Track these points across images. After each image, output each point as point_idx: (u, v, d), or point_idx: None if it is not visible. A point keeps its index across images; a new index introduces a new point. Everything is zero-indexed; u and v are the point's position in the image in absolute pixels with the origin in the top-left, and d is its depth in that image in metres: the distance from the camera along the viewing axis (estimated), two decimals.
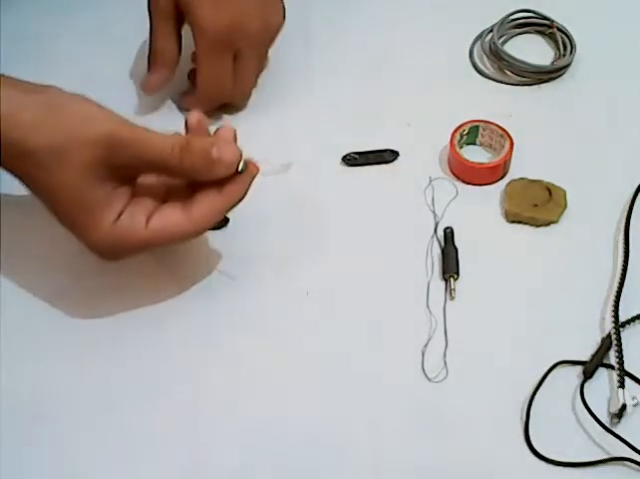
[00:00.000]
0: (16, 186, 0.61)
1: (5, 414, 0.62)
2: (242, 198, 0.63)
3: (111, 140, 0.58)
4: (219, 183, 0.61)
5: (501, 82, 0.81)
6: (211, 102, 0.75)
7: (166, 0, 0.73)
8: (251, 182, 0.63)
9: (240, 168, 0.61)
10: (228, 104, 0.77)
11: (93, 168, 0.58)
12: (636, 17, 0.86)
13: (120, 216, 0.60)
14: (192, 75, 0.76)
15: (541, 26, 0.84)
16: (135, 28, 0.80)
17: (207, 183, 0.61)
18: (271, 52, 0.78)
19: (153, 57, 0.75)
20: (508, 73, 0.82)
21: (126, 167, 0.60)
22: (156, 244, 0.62)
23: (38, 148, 0.58)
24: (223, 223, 0.71)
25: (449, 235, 0.70)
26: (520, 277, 0.69)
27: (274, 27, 0.75)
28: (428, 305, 0.67)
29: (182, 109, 0.77)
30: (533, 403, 0.62)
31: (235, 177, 0.62)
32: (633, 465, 0.60)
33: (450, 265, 0.68)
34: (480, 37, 0.84)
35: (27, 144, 0.58)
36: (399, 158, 0.75)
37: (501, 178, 0.74)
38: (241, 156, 0.61)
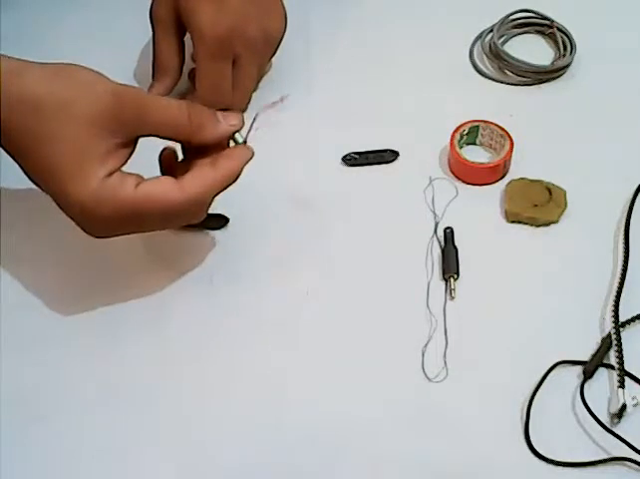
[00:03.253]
0: (16, 181, 0.61)
1: (5, 414, 0.62)
2: (235, 178, 0.63)
3: (118, 95, 0.59)
4: (214, 158, 0.62)
5: (501, 82, 0.81)
6: (210, 106, 0.75)
7: (167, 10, 0.73)
8: (245, 162, 0.63)
9: (239, 137, 0.63)
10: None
11: (96, 120, 0.58)
12: (636, 17, 0.86)
13: (111, 174, 0.59)
14: (193, 75, 0.76)
15: (541, 26, 0.84)
16: (135, 28, 0.80)
17: (204, 154, 0.62)
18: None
19: (156, 67, 0.75)
20: (508, 73, 0.82)
21: (130, 125, 0.60)
22: (142, 210, 0.60)
23: (44, 97, 0.58)
24: (223, 222, 0.71)
25: (449, 235, 0.70)
26: (520, 277, 0.69)
27: (274, 33, 0.75)
28: (428, 305, 0.67)
29: None
30: (533, 403, 0.62)
31: (231, 152, 0.63)
32: (633, 465, 0.60)
33: (450, 265, 0.68)
34: (479, 37, 0.84)
35: (33, 93, 0.58)
36: (399, 158, 0.75)
37: (501, 178, 0.74)
38: (243, 124, 0.63)
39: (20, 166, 0.61)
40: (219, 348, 0.65)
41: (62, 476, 0.60)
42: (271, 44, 0.76)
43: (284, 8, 0.76)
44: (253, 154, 0.63)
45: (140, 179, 0.61)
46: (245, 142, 0.64)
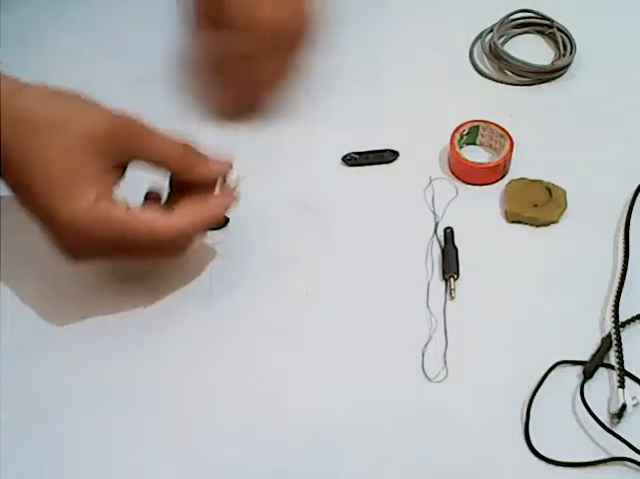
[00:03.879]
0: None
1: (5, 414, 0.62)
2: (219, 216, 0.65)
3: (115, 120, 0.60)
4: (203, 197, 0.63)
5: (501, 82, 0.81)
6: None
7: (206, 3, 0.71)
8: (229, 207, 0.65)
9: (232, 183, 0.65)
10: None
11: (91, 141, 0.59)
12: (636, 17, 0.86)
13: (103, 196, 0.59)
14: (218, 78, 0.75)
15: (541, 26, 0.84)
16: (135, 28, 0.81)
17: (190, 193, 0.63)
18: None
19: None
20: (508, 73, 0.82)
21: (124, 150, 0.60)
22: (131, 233, 0.60)
23: (41, 115, 0.58)
24: (223, 223, 0.71)
25: (449, 235, 0.70)
26: (520, 277, 0.69)
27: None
28: (428, 305, 0.67)
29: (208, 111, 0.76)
30: (533, 403, 0.62)
31: (219, 196, 0.65)
32: (633, 465, 0.60)
33: (450, 265, 0.68)
34: (479, 37, 0.84)
35: (30, 110, 0.58)
36: (399, 158, 0.75)
37: (501, 178, 0.74)
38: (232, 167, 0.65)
39: (9, 186, 0.60)
40: (219, 349, 0.65)
41: (62, 476, 0.60)
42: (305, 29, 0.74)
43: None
44: (237, 202, 0.65)
45: (128, 205, 0.61)
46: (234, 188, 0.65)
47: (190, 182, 0.63)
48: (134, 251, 0.62)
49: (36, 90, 0.60)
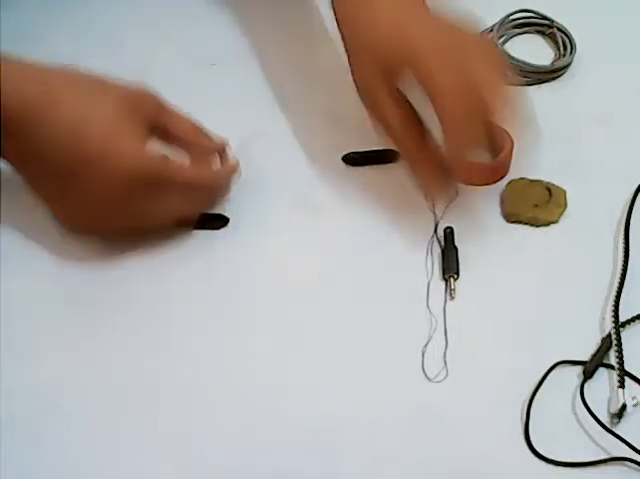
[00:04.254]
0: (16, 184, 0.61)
1: (5, 414, 0.62)
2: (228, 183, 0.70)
3: (140, 88, 0.66)
4: None
5: None
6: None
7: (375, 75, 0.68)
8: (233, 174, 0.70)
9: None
10: None
11: (124, 99, 0.64)
12: (636, 17, 0.86)
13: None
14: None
15: (541, 26, 0.84)
16: (135, 28, 0.80)
17: None
18: (272, 50, 0.78)
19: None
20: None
21: (152, 113, 0.66)
22: (169, 173, 0.64)
23: (83, 77, 0.64)
24: (223, 223, 0.71)
25: (449, 235, 0.70)
26: (520, 277, 0.69)
27: None
28: (428, 305, 0.67)
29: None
30: (533, 403, 0.62)
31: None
32: (633, 465, 0.60)
33: (450, 265, 0.68)
34: None
35: (66, 73, 0.64)
36: (399, 158, 0.75)
37: (501, 178, 0.74)
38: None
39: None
40: (219, 349, 0.65)
41: (62, 476, 0.60)
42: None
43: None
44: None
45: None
46: None
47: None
48: (168, 197, 0.65)
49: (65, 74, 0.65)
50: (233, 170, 0.70)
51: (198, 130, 0.69)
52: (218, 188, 0.70)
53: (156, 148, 0.67)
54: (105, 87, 0.65)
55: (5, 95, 0.61)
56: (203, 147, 0.69)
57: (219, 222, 0.71)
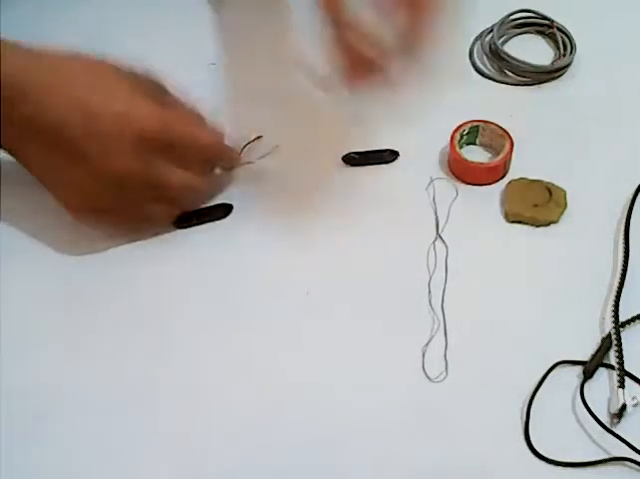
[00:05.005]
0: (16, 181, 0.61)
1: (5, 414, 0.62)
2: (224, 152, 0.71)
3: (151, 76, 0.68)
4: None
5: (501, 82, 0.81)
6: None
7: None
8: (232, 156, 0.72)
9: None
10: None
11: (123, 73, 0.66)
12: (636, 17, 0.86)
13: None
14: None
15: (541, 26, 0.84)
16: (135, 28, 0.80)
17: None
18: (271, 51, 0.78)
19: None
20: (508, 73, 0.82)
21: (150, 84, 0.67)
22: (169, 127, 0.65)
23: (96, 60, 0.66)
24: (227, 211, 0.71)
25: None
26: (520, 277, 0.69)
27: None
28: (431, 305, 0.67)
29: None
30: (533, 403, 0.62)
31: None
32: (633, 465, 0.60)
33: None
34: (480, 37, 0.84)
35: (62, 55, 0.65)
36: (399, 158, 0.75)
37: (501, 178, 0.74)
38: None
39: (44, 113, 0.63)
40: (219, 349, 0.65)
41: (62, 476, 0.60)
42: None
43: None
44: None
45: None
46: None
47: None
48: (177, 153, 0.66)
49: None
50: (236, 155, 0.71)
51: (199, 120, 0.69)
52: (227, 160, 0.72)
53: None
54: (117, 69, 0.66)
55: (19, 71, 0.62)
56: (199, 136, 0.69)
57: (223, 210, 0.71)
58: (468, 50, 0.83)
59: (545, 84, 0.81)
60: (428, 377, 0.64)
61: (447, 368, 0.64)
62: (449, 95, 0.79)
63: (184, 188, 0.68)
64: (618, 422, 0.61)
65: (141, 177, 0.65)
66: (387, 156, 0.75)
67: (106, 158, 0.63)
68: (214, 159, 0.71)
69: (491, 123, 0.75)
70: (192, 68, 0.80)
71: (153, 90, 0.67)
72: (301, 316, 0.67)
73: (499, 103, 0.79)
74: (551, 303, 0.67)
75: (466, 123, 0.75)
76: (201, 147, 0.68)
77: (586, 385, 0.63)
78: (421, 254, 0.70)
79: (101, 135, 0.63)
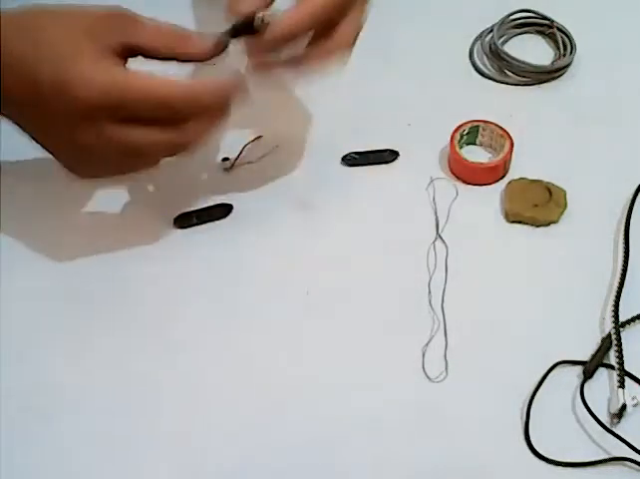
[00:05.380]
0: (16, 177, 0.61)
1: (5, 414, 0.62)
2: (231, 92, 0.62)
3: (110, 9, 0.61)
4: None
5: (501, 82, 0.81)
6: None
7: None
8: (242, 84, 0.63)
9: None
10: None
11: (90, 24, 0.60)
12: (636, 17, 0.86)
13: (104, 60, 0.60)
14: None
15: (541, 26, 0.84)
16: None
17: None
18: None
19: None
20: (508, 73, 0.82)
21: (119, 32, 0.61)
22: (134, 90, 0.59)
23: (42, 13, 0.61)
24: (227, 211, 0.71)
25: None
26: (520, 277, 0.69)
27: None
28: (431, 305, 0.67)
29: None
30: (533, 403, 0.62)
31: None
32: (633, 465, 0.60)
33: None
34: (480, 37, 0.84)
35: (31, 12, 0.61)
36: (399, 158, 0.75)
37: (501, 178, 0.74)
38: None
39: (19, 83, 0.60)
40: (219, 349, 0.65)
41: (62, 476, 0.60)
42: None
43: None
44: (246, 89, 0.63)
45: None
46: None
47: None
48: (138, 119, 0.60)
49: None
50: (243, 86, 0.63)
51: (183, 37, 0.63)
52: (216, 104, 0.62)
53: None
54: (68, 16, 0.61)
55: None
56: (194, 52, 0.63)
57: (223, 210, 0.71)
58: (468, 50, 0.83)
59: (545, 84, 0.81)
60: (428, 377, 0.64)
61: (447, 368, 0.64)
62: (449, 95, 0.80)
63: (160, 149, 0.63)
64: (618, 422, 0.61)
65: (104, 147, 0.61)
66: (387, 156, 0.75)
67: (66, 134, 0.60)
68: (183, 110, 0.61)
69: (491, 123, 0.75)
70: (192, 67, 0.80)
71: (109, 32, 0.61)
72: (301, 316, 0.67)
73: (499, 103, 0.79)
74: (551, 303, 0.67)
75: (466, 123, 0.75)
76: (160, 103, 0.60)
77: (586, 385, 0.63)
78: (421, 254, 0.70)
79: (49, 110, 0.60)
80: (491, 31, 0.84)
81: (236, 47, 0.64)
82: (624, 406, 0.61)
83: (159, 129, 0.61)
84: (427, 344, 0.65)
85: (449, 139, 0.74)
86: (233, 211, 0.72)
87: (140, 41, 0.61)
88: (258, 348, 0.65)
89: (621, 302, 0.66)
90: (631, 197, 0.73)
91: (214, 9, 0.67)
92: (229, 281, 0.69)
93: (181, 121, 0.61)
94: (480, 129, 0.75)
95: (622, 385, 0.62)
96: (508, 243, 0.71)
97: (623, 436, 0.60)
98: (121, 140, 0.61)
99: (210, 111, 0.62)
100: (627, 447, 0.60)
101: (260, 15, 0.62)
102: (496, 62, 0.82)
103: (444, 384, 0.63)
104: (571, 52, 0.82)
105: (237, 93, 0.63)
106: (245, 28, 0.63)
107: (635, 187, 0.73)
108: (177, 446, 0.61)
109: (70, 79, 0.58)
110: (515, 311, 0.67)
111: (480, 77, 0.82)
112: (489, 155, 0.76)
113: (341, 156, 0.75)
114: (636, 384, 0.63)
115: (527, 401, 0.62)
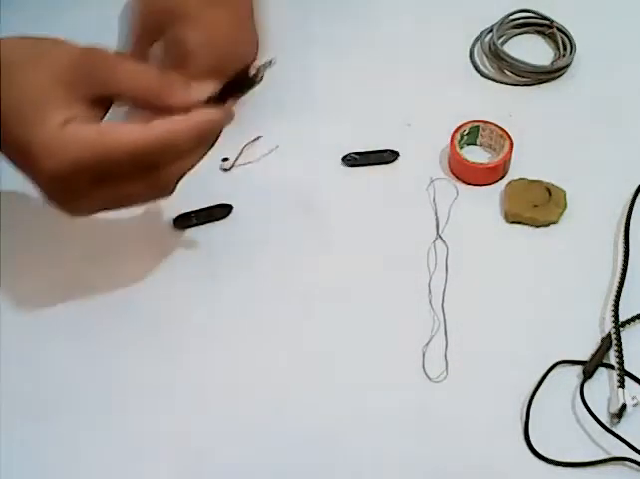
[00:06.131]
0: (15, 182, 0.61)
1: (5, 414, 0.62)
2: (210, 138, 0.60)
3: (87, 52, 0.58)
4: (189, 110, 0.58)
5: (501, 82, 0.81)
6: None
7: (150, 20, 0.68)
8: (223, 123, 0.60)
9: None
10: None
11: (62, 71, 0.57)
12: (636, 17, 0.86)
13: (73, 120, 0.56)
14: None
15: (541, 26, 0.84)
16: None
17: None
18: (272, 51, 0.78)
19: None
20: (508, 73, 0.82)
21: (95, 80, 0.57)
22: (106, 152, 0.55)
23: (15, 52, 0.57)
24: (228, 210, 0.71)
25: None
26: (520, 277, 0.69)
27: (248, 61, 0.69)
28: (431, 305, 0.67)
29: None
30: (533, 403, 0.62)
31: (210, 110, 0.59)
32: (633, 465, 0.60)
33: None
34: (480, 37, 0.84)
35: (6, 48, 0.57)
36: (399, 158, 0.75)
37: (501, 178, 0.74)
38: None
39: None
40: (219, 349, 0.65)
41: (62, 476, 0.60)
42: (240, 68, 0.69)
43: (257, 38, 0.71)
44: (232, 117, 0.60)
45: (102, 124, 0.57)
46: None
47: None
48: (114, 178, 0.57)
49: (10, 38, 0.58)
50: (222, 115, 0.59)
51: (165, 79, 0.59)
52: (201, 137, 0.59)
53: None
54: (39, 62, 0.57)
55: None
56: (177, 101, 0.58)
57: (223, 210, 0.71)
58: (468, 50, 0.83)
59: (545, 84, 0.81)
60: (428, 377, 0.64)
61: (447, 368, 0.64)
62: (449, 95, 0.80)
63: (144, 196, 0.60)
64: (618, 422, 0.61)
65: (81, 202, 0.59)
66: (387, 156, 0.75)
67: (40, 189, 0.58)
68: (162, 159, 0.58)
69: (491, 123, 0.75)
70: None
71: (82, 81, 0.57)
72: (301, 316, 0.67)
73: (499, 103, 0.79)
74: (551, 303, 0.67)
75: (466, 123, 0.75)
76: (137, 159, 0.56)
77: (586, 385, 0.63)
78: (421, 254, 0.70)
79: (17, 164, 0.58)
80: (491, 31, 0.84)
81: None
82: (624, 406, 0.61)
83: (139, 178, 0.58)
84: (427, 344, 0.65)
85: (449, 139, 0.74)
86: (233, 211, 0.72)
87: (115, 90, 0.58)
88: (258, 348, 0.65)
89: (621, 302, 0.66)
90: (631, 197, 0.73)
91: None
92: (229, 281, 0.69)
93: (161, 166, 0.58)
94: (480, 129, 0.75)
95: (622, 385, 0.62)
96: (508, 244, 0.71)
97: (623, 436, 0.60)
98: (99, 196, 0.58)
99: (191, 151, 0.59)
100: (627, 447, 0.60)
101: (255, 69, 0.60)
102: (496, 62, 0.82)
103: (444, 384, 0.63)
104: (571, 52, 0.82)
105: (218, 126, 0.60)
106: (240, 83, 0.60)
107: (635, 187, 0.73)
108: (178, 446, 0.61)
109: (34, 148, 0.55)
110: (515, 311, 0.67)
111: (480, 77, 0.82)
112: (489, 155, 0.76)
113: (341, 156, 0.75)
114: (636, 384, 0.63)
115: (527, 401, 0.62)
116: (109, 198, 0.59)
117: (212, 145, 0.61)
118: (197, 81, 0.60)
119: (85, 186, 0.57)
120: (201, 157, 0.61)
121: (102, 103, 0.58)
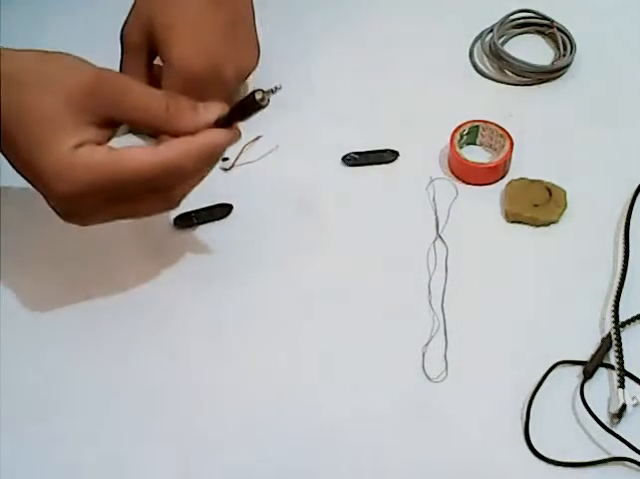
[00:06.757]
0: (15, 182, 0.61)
1: (5, 414, 0.62)
2: (215, 156, 0.61)
3: (99, 76, 0.59)
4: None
5: (501, 82, 0.81)
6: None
7: (139, 35, 0.71)
8: (229, 143, 0.61)
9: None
10: None
11: (74, 96, 0.58)
12: (636, 17, 0.86)
13: (83, 144, 0.58)
14: None
15: (541, 26, 0.84)
16: None
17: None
18: (272, 51, 0.78)
19: None
20: (508, 73, 0.82)
21: (107, 105, 0.59)
22: (116, 176, 0.57)
23: (29, 74, 0.58)
24: (228, 210, 0.71)
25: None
26: (520, 277, 0.69)
27: (248, 69, 0.74)
28: (431, 305, 0.67)
29: None
30: (533, 403, 0.62)
31: (216, 129, 0.60)
32: (633, 465, 0.60)
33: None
34: (480, 37, 0.84)
35: (20, 70, 0.58)
36: (399, 158, 0.75)
37: (501, 178, 0.74)
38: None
39: (4, 153, 0.60)
40: (219, 349, 0.65)
41: (62, 476, 0.60)
42: (242, 79, 0.74)
43: (257, 40, 0.74)
44: (239, 137, 0.62)
45: (112, 148, 0.59)
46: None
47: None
48: (124, 198, 0.59)
49: (26, 53, 0.60)
50: (229, 135, 0.61)
51: (174, 104, 0.60)
52: (200, 161, 0.61)
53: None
54: (54, 83, 0.58)
55: None
56: (185, 125, 0.60)
57: (223, 210, 0.71)
58: (468, 50, 0.83)
59: (545, 84, 0.81)
60: (428, 377, 0.64)
61: (447, 368, 0.64)
62: (449, 95, 0.80)
63: (152, 211, 0.63)
64: (618, 422, 0.61)
65: (90, 217, 0.61)
66: (387, 156, 0.75)
67: (60, 212, 0.61)
68: (169, 181, 0.60)
69: (491, 123, 0.75)
70: None
71: (90, 107, 0.58)
72: (301, 316, 0.67)
73: (499, 103, 0.79)
74: (551, 303, 0.67)
75: (466, 123, 0.75)
76: (145, 183, 0.59)
77: (586, 385, 0.63)
78: (421, 254, 0.70)
79: (28, 180, 0.60)
80: (491, 31, 0.84)
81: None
82: (624, 406, 0.61)
83: (147, 198, 0.60)
84: (427, 344, 0.65)
85: (449, 139, 0.74)
86: (233, 211, 0.72)
87: (124, 115, 0.60)
88: (258, 348, 0.65)
89: (621, 302, 0.66)
90: (631, 197, 0.73)
91: None
92: (229, 281, 0.69)
93: (169, 187, 0.61)
94: (480, 129, 0.75)
95: (622, 385, 0.62)
96: (508, 244, 0.71)
97: (623, 436, 0.60)
98: (108, 213, 0.61)
99: (199, 171, 0.62)
100: (627, 447, 0.60)
101: (261, 93, 0.60)
102: (496, 62, 0.82)
103: (444, 384, 0.63)
104: (571, 52, 0.82)
105: (225, 147, 0.62)
106: (247, 107, 0.61)
107: (635, 187, 0.73)
108: (178, 446, 0.61)
109: (45, 173, 0.58)
110: (515, 311, 0.67)
111: (480, 77, 0.82)
112: (489, 155, 0.76)
113: (341, 156, 0.75)
114: (636, 384, 0.63)
115: (527, 401, 0.62)
116: (117, 215, 0.62)
117: (217, 161, 0.63)
118: (205, 103, 0.61)
119: (95, 206, 0.60)
120: (207, 174, 0.63)
121: (110, 125, 0.60)
